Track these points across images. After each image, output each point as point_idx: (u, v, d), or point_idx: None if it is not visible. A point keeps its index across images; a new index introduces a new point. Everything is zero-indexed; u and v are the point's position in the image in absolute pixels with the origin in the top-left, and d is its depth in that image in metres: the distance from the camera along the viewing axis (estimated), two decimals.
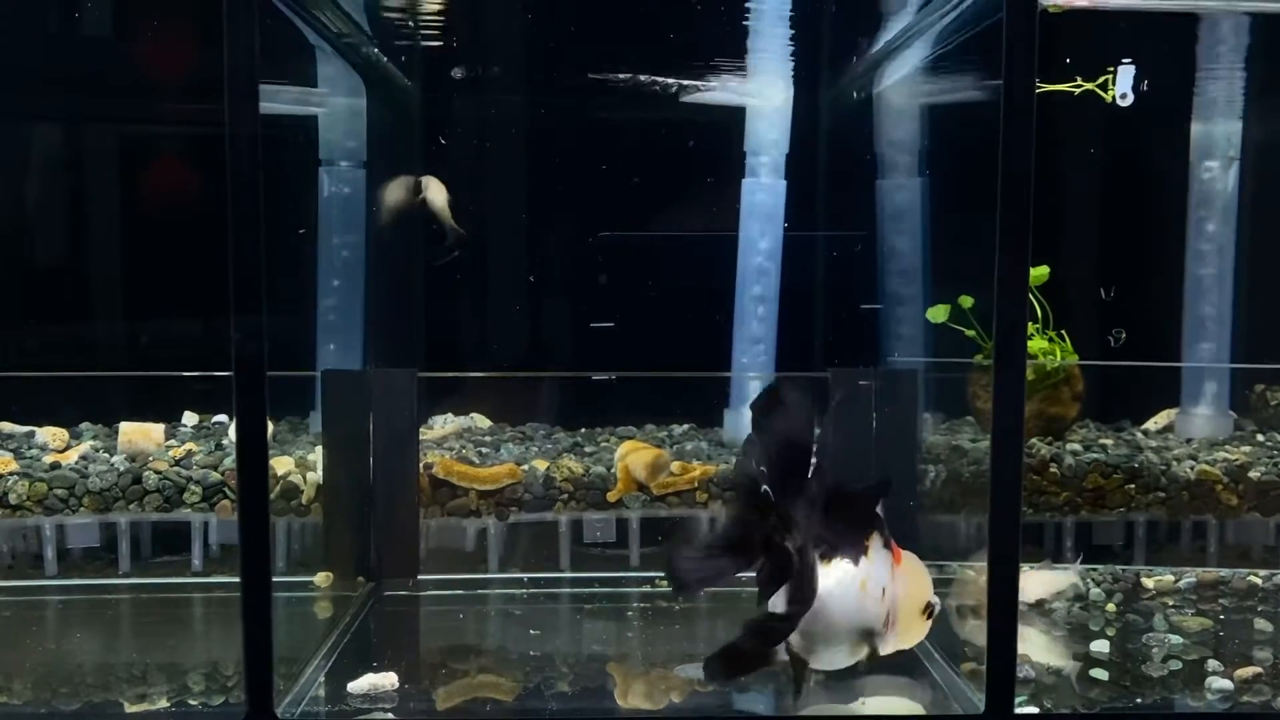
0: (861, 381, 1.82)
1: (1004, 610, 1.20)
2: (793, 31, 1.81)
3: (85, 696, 1.35)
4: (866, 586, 1.20)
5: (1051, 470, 1.81)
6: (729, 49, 1.86)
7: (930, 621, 1.28)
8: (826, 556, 1.18)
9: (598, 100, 1.94)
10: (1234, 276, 1.99)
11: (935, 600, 1.26)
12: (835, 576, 1.19)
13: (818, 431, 1.18)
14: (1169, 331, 2.02)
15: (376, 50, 1.85)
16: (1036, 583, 1.62)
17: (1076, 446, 1.86)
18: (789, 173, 1.95)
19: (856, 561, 1.19)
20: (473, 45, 1.91)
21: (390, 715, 1.28)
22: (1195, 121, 1.97)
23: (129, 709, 1.32)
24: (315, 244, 1.86)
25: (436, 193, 1.91)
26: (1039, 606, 1.61)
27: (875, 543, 1.20)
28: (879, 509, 1.24)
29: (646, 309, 1.98)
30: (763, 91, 1.94)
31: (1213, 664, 1.41)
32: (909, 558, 1.26)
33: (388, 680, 1.33)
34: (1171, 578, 1.75)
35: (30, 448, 1.83)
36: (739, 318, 1.97)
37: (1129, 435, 2.00)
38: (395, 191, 1.91)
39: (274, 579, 1.19)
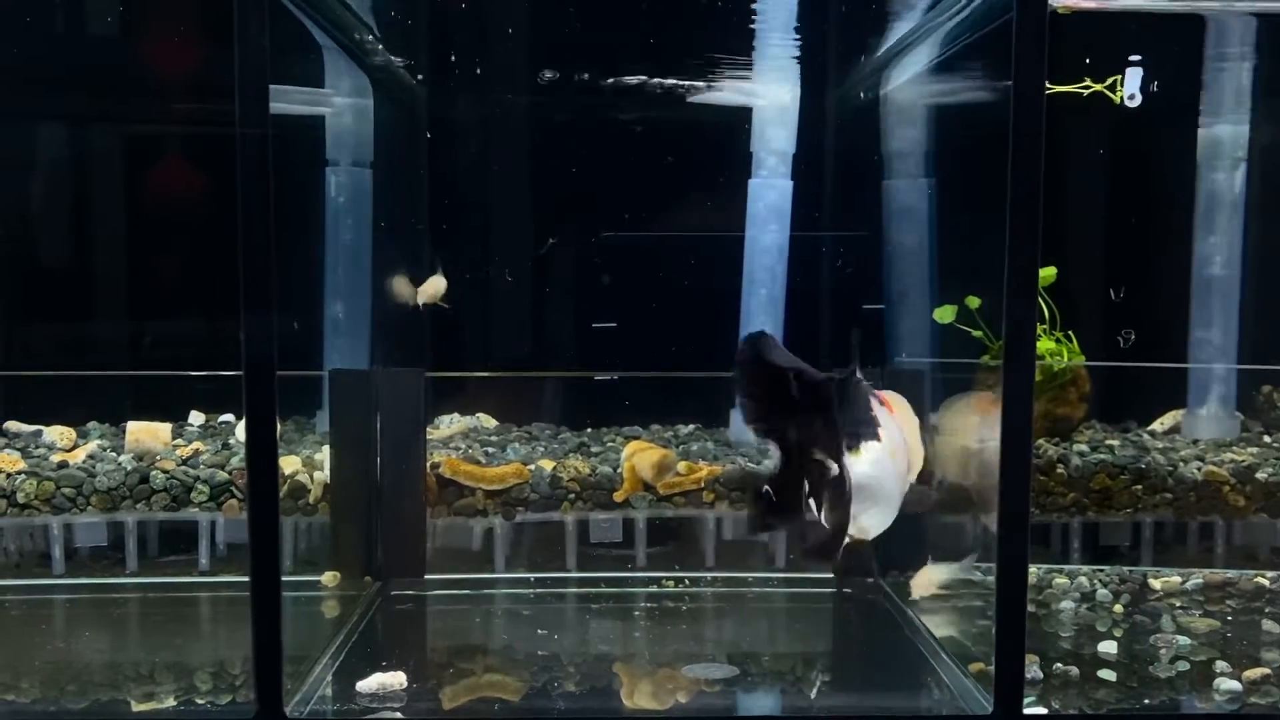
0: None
1: (1012, 610, 1.20)
2: (800, 31, 1.81)
3: (93, 695, 1.35)
4: (895, 455, 1.23)
5: (1058, 471, 1.80)
6: (736, 49, 1.86)
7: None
8: (852, 447, 1.20)
9: (604, 100, 1.94)
10: (1241, 278, 1.98)
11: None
12: (867, 459, 1.20)
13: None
14: (1176, 332, 2.01)
15: (383, 50, 1.85)
16: (928, 578, 1.63)
17: (1083, 447, 1.86)
18: (796, 173, 1.95)
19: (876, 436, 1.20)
20: (478, 45, 1.91)
21: (399, 714, 1.28)
22: (1203, 123, 1.97)
23: (137, 708, 1.32)
24: (322, 244, 1.86)
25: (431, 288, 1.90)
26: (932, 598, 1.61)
27: (875, 411, 1.22)
28: (862, 381, 1.24)
29: (653, 309, 1.97)
30: (770, 92, 1.94)
31: (1221, 665, 1.41)
32: (891, 396, 1.28)
33: (396, 679, 1.34)
34: (1178, 579, 1.75)
35: (38, 447, 1.84)
36: (745, 317, 1.97)
37: (1135, 436, 2.00)
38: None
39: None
